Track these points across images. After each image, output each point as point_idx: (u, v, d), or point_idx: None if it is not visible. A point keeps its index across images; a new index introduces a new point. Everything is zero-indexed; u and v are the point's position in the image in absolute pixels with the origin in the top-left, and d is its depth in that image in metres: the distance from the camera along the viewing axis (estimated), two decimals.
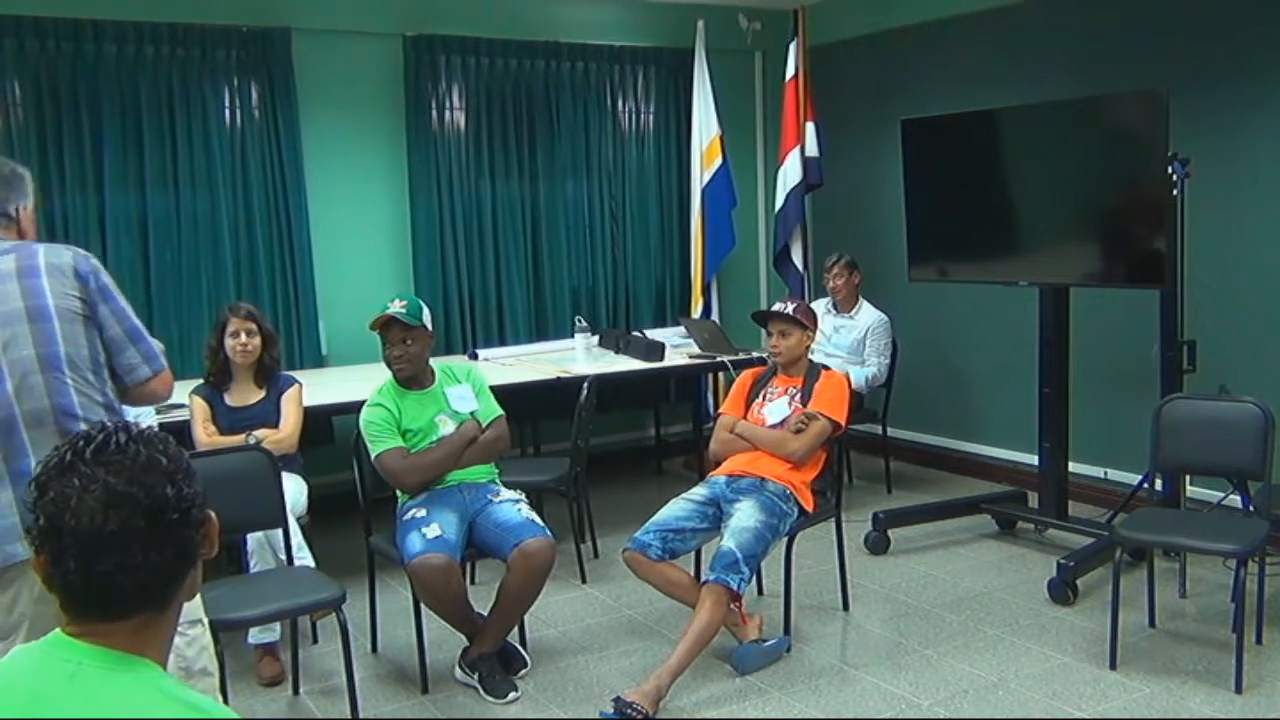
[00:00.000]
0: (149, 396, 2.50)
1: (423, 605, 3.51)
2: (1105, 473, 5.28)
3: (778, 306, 3.98)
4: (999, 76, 5.51)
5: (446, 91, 5.76)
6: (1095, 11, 5.17)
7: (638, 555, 3.64)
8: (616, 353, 5.52)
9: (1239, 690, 3.35)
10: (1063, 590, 4.12)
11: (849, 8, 6.26)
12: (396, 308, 3.58)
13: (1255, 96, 4.61)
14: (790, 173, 6.05)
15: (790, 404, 3.90)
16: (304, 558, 3.74)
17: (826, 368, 4.12)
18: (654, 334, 5.67)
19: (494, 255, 5.94)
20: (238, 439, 3.89)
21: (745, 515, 3.61)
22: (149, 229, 5.05)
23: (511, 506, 3.63)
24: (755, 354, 5.29)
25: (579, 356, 5.30)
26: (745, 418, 3.95)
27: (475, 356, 5.49)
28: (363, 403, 3.69)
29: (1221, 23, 4.71)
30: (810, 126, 6.02)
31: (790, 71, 6.04)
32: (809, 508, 3.79)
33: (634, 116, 6.38)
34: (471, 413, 3.72)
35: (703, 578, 3.62)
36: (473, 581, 4.14)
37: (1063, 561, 4.18)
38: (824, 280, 5.83)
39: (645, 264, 6.46)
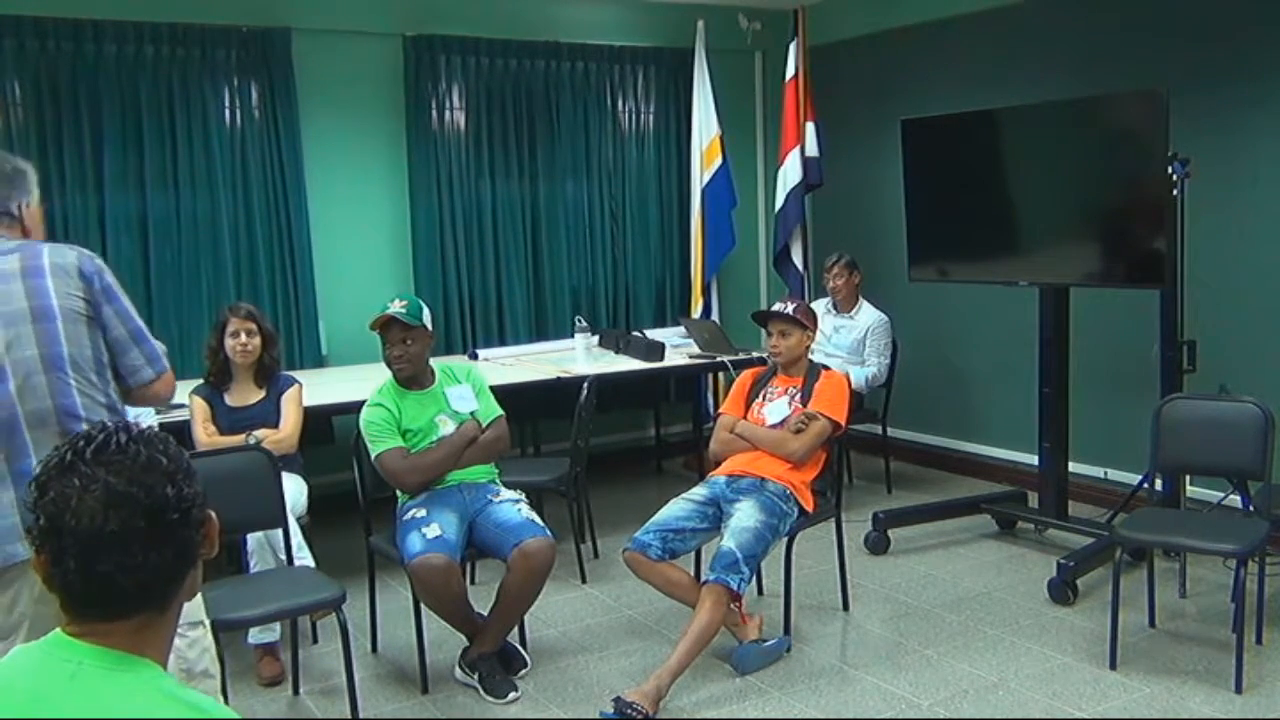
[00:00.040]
0: (152, 398, 2.51)
1: (423, 605, 3.51)
2: (1105, 473, 5.28)
3: (778, 306, 3.98)
4: (999, 76, 5.51)
5: (446, 91, 5.76)
6: (1095, 11, 5.17)
7: (638, 555, 3.64)
8: (616, 353, 5.52)
9: (1239, 690, 3.35)
10: (1063, 590, 4.12)
11: (849, 8, 6.26)
12: (396, 308, 3.58)
13: (1255, 96, 4.61)
14: (790, 173, 6.05)
15: (790, 404, 3.90)
16: (304, 558, 3.74)
17: (826, 368, 4.12)
18: (654, 334, 5.67)
19: (494, 255, 5.94)
20: (238, 439, 3.89)
21: (745, 515, 3.61)
22: (149, 229, 5.05)
23: (511, 506, 3.63)
24: (755, 354, 5.29)
25: (579, 356, 5.30)
26: (745, 418, 3.95)
27: (475, 356, 5.49)
28: (363, 403, 3.69)
29: (1221, 23, 4.71)
30: (810, 126, 6.02)
31: (790, 71, 6.04)
32: (809, 508, 3.79)
33: (634, 116, 6.38)
34: (471, 413, 3.72)
35: (703, 578, 3.62)
36: (473, 581, 4.14)
37: (1063, 561, 4.18)
38: (824, 280, 5.83)
39: (645, 264, 6.46)
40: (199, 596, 2.43)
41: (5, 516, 2.19)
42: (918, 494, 5.64)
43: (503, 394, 3.93)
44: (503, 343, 5.88)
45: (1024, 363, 5.01)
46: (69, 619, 1.24)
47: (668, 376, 6.20)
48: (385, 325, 3.60)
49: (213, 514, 1.32)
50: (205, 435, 3.94)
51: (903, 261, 5.11)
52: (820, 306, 5.70)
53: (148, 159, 5.03)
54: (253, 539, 3.64)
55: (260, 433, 3.94)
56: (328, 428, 4.88)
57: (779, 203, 6.14)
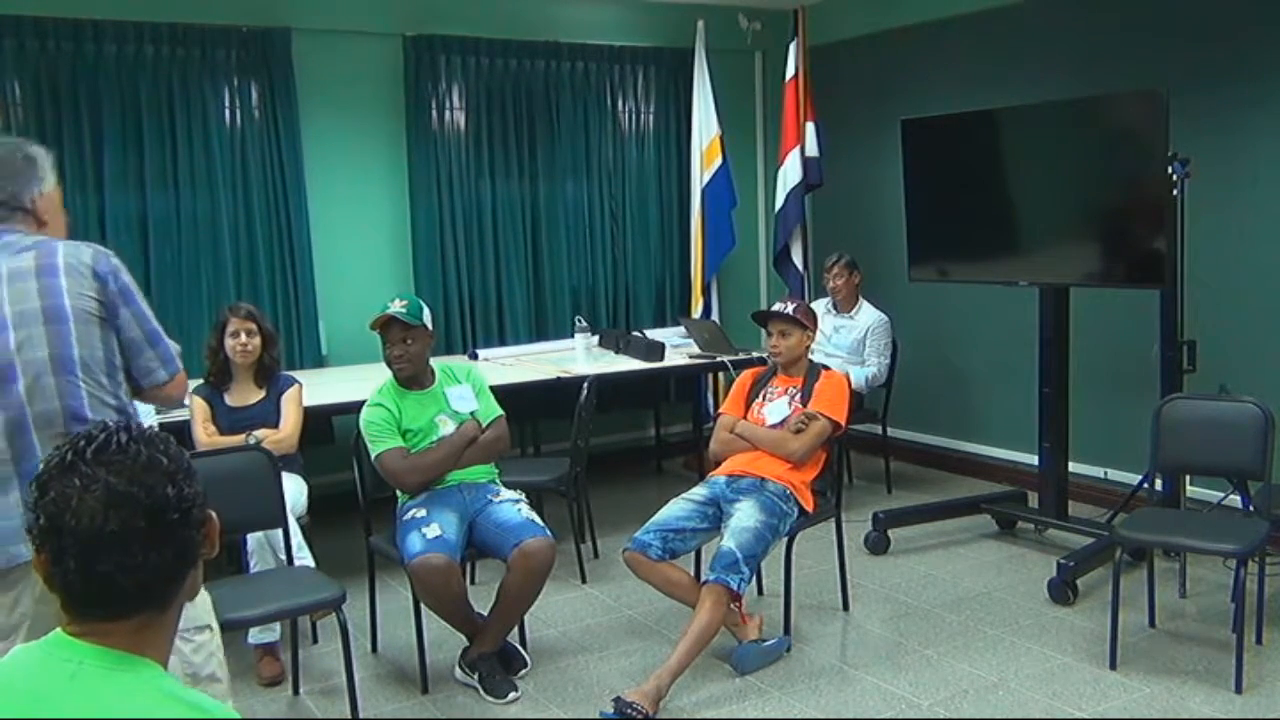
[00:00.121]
0: (164, 398, 2.51)
1: (423, 605, 3.51)
2: (1105, 473, 5.28)
3: (778, 306, 3.98)
4: (999, 76, 5.51)
5: (446, 91, 5.76)
6: (1095, 11, 5.17)
7: (638, 555, 3.64)
8: (616, 353, 5.52)
9: (1239, 690, 3.35)
10: (1063, 590, 4.12)
11: (849, 8, 6.26)
12: (397, 307, 3.58)
13: (1255, 96, 4.61)
14: (790, 173, 6.05)
15: (790, 404, 3.90)
16: (304, 558, 3.74)
17: (826, 368, 4.12)
18: (654, 334, 5.67)
19: (494, 255, 5.94)
20: (238, 439, 3.89)
21: (745, 515, 3.61)
22: (149, 229, 5.05)
23: (511, 506, 3.63)
24: (755, 354, 5.29)
25: (579, 356, 5.30)
26: (745, 418, 3.95)
27: (475, 356, 5.49)
28: (363, 403, 3.69)
29: (1221, 23, 4.71)
30: (810, 126, 6.02)
31: (790, 71, 6.04)
32: (809, 508, 3.79)
33: (634, 116, 6.38)
34: (471, 413, 3.72)
35: (703, 578, 3.62)
36: (473, 581, 4.14)
37: (1063, 561, 4.18)
38: (824, 280, 5.83)
39: (645, 264, 6.46)
40: (206, 600, 2.43)
41: (11, 517, 2.18)
42: (918, 494, 5.64)
43: (503, 394, 3.93)
44: (503, 343, 5.88)
45: (1024, 363, 5.01)
46: (69, 619, 1.24)
47: (668, 376, 6.20)
48: (385, 325, 3.60)
49: (213, 514, 1.32)
50: (205, 435, 3.94)
51: (903, 261, 5.11)
52: (820, 306, 5.70)
53: (148, 159, 5.03)
54: (253, 539, 3.64)
55: (260, 433, 3.94)
56: (328, 428, 4.88)
57: (779, 203, 6.14)
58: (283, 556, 3.56)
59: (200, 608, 2.41)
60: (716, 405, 5.84)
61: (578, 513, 4.68)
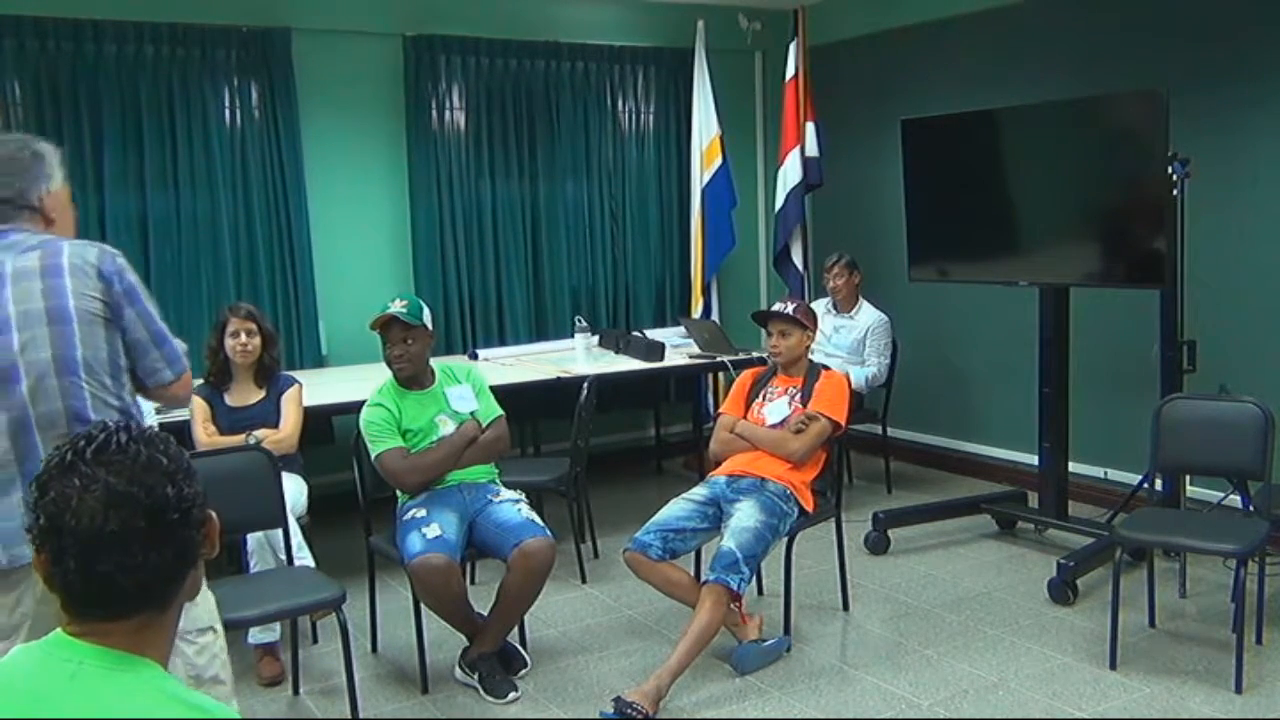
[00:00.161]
0: (170, 398, 2.50)
1: (423, 605, 3.51)
2: (1105, 473, 5.28)
3: (778, 306, 3.98)
4: (999, 76, 5.51)
5: (446, 91, 5.76)
6: (1095, 11, 5.17)
7: (638, 555, 3.64)
8: (616, 353, 5.52)
9: (1239, 690, 3.35)
10: (1063, 590, 4.12)
11: (849, 8, 6.26)
12: (397, 307, 3.58)
13: (1255, 96, 4.61)
14: (790, 173, 6.05)
15: (790, 404, 3.90)
16: (304, 558, 3.74)
17: (826, 368, 4.12)
18: (654, 334, 5.67)
19: (494, 255, 5.94)
20: (238, 439, 3.89)
21: (745, 515, 3.61)
22: (149, 229, 5.05)
23: (511, 506, 3.63)
24: (755, 354, 5.29)
25: (579, 356, 5.30)
26: (745, 417, 3.95)
27: (475, 356, 5.49)
28: (363, 403, 3.69)
29: (1221, 23, 4.71)
30: (810, 126, 6.02)
31: (790, 71, 6.04)
32: (809, 508, 3.79)
33: (634, 116, 6.38)
34: (471, 413, 3.72)
35: (703, 578, 3.62)
36: (473, 581, 4.14)
37: (1063, 561, 4.18)
38: (824, 280, 5.83)
39: (645, 264, 6.46)
40: (210, 602, 2.41)
41: (14, 518, 2.17)
42: (918, 494, 5.64)
43: (503, 394, 3.93)
44: (503, 343, 5.88)
45: (1024, 363, 5.01)
46: (69, 619, 1.24)
47: (668, 376, 6.19)
48: (386, 325, 3.60)
49: (213, 514, 1.32)
50: (205, 435, 3.94)
51: (903, 261, 5.11)
52: (820, 306, 5.70)
53: (148, 159, 5.02)
54: (253, 539, 3.64)
55: (260, 433, 3.94)
56: (328, 428, 4.88)
57: (779, 203, 6.14)
58: (283, 556, 3.56)
59: (204, 609, 2.40)
60: (716, 405, 5.84)
61: (578, 513, 4.68)
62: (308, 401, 4.16)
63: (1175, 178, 4.20)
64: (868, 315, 5.70)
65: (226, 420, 4.01)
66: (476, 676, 3.53)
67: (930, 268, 5.08)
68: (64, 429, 2.21)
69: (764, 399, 3.96)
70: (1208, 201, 4.49)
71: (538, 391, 4.97)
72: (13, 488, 2.20)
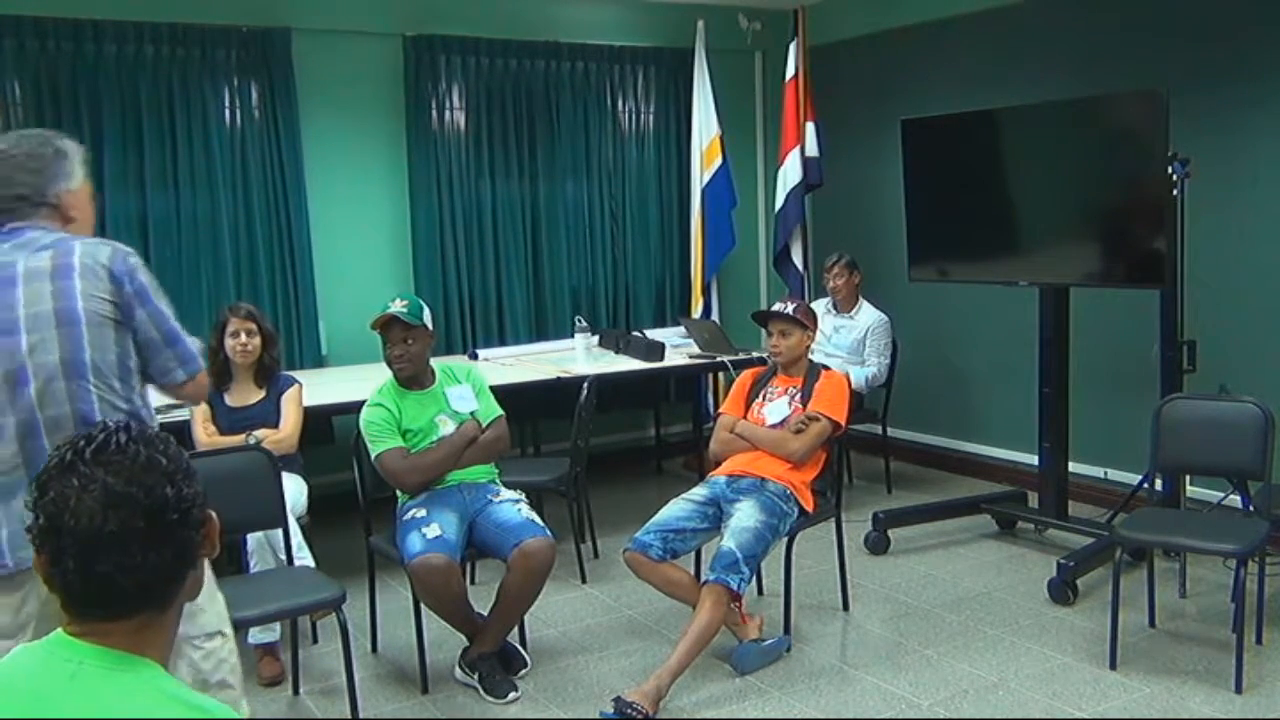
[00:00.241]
0: (184, 397, 2.50)
1: (423, 605, 3.51)
2: (1105, 473, 5.28)
3: (778, 306, 3.98)
4: (999, 76, 5.51)
5: (446, 91, 5.76)
6: (1095, 11, 5.17)
7: (639, 555, 3.64)
8: (616, 353, 5.52)
9: (1239, 690, 3.35)
10: (1063, 590, 4.12)
11: (849, 8, 6.26)
12: (398, 307, 3.58)
13: (1255, 96, 4.61)
14: (790, 173, 6.05)
15: (790, 404, 3.90)
16: (304, 558, 3.74)
17: (826, 368, 4.12)
18: (654, 334, 5.67)
19: (494, 255, 5.94)
20: (238, 439, 3.89)
21: (745, 515, 3.61)
22: (149, 229, 5.05)
23: (511, 506, 3.63)
24: (755, 354, 5.29)
25: (579, 356, 5.30)
26: (745, 417, 3.95)
27: (475, 356, 5.49)
28: (363, 403, 3.69)
29: (1221, 23, 4.71)
30: (810, 126, 6.02)
31: (790, 71, 6.04)
32: (809, 508, 3.79)
33: (634, 116, 6.38)
34: (471, 413, 3.72)
35: (703, 578, 3.62)
36: (473, 581, 4.14)
37: (1063, 561, 4.18)
38: (824, 280, 5.83)
39: (645, 264, 6.46)
40: (221, 605, 2.39)
41: (20, 522, 2.17)
42: (918, 494, 5.64)
43: (503, 394, 3.93)
44: (503, 343, 5.88)
45: (1024, 363, 5.01)
46: (70, 619, 1.24)
47: (668, 376, 6.19)
48: (386, 325, 3.60)
49: (213, 514, 1.32)
50: (205, 435, 3.94)
51: (903, 261, 5.11)
52: (820, 306, 5.70)
53: (148, 159, 5.02)
54: (253, 539, 3.64)
55: (260, 433, 3.94)
56: (328, 428, 4.88)
57: (779, 203, 6.14)
58: (283, 556, 3.56)
59: (213, 614, 2.38)
60: (716, 405, 5.84)
61: (578, 513, 4.68)
62: (308, 401, 4.16)
63: (1175, 178, 4.20)
64: (868, 315, 5.70)
65: (226, 420, 4.01)
66: (476, 676, 3.53)
67: (930, 268, 5.08)
68: (71, 433, 2.20)
69: (764, 399, 3.96)
70: (1208, 201, 4.49)
71: (538, 391, 4.97)
72: (20, 491, 2.20)
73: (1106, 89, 4.65)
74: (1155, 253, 4.15)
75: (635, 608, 4.20)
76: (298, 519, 3.83)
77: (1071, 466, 4.79)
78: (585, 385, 4.64)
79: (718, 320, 6.08)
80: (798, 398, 3.90)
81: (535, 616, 3.89)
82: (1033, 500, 4.96)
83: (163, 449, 1.27)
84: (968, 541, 4.93)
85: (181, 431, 3.86)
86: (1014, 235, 4.80)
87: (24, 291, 2.21)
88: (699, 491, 3.84)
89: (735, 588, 3.48)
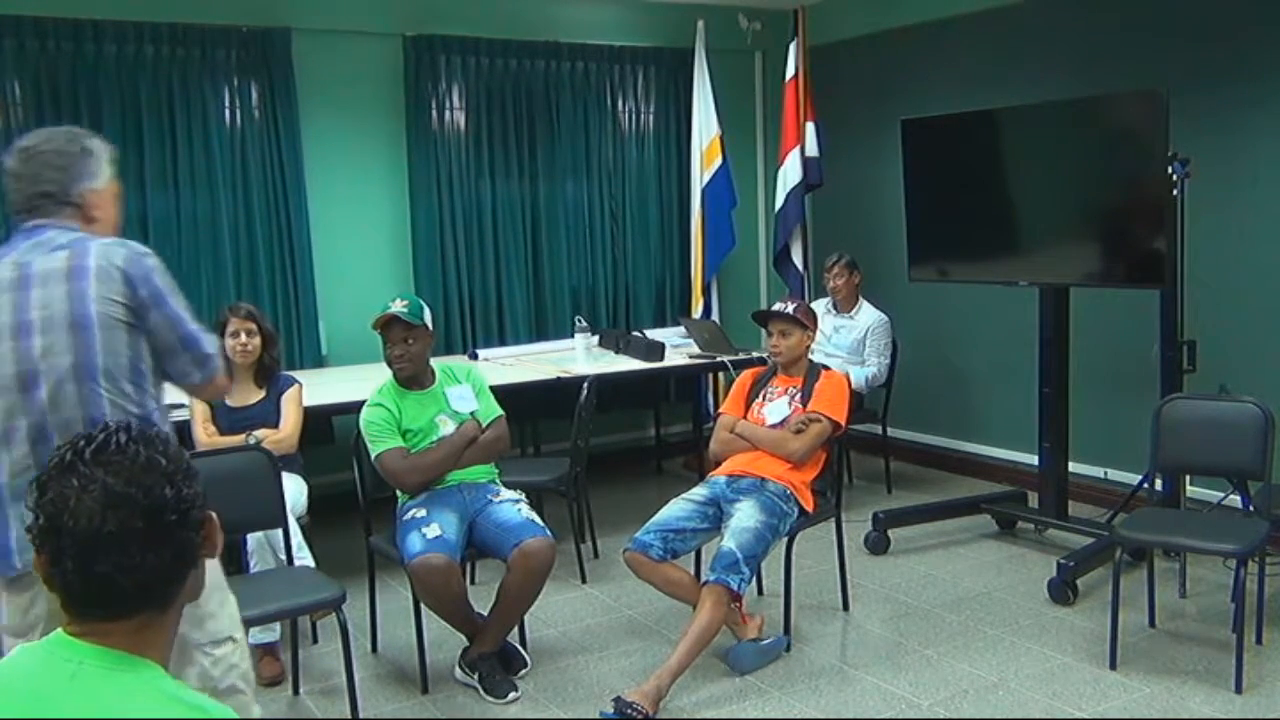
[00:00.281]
0: (203, 397, 2.50)
1: (423, 605, 3.51)
2: (1105, 473, 5.28)
3: (778, 306, 3.98)
4: (999, 76, 5.51)
5: (446, 91, 5.76)
6: (1095, 11, 5.17)
7: (639, 555, 3.64)
8: (616, 353, 5.52)
9: (1239, 690, 3.35)
10: (1063, 590, 4.12)
11: (849, 8, 6.26)
12: (398, 307, 3.58)
13: (1255, 96, 4.61)
14: (790, 173, 6.05)
15: (790, 404, 3.90)
16: (304, 558, 3.74)
17: (826, 368, 4.12)
18: (654, 334, 5.67)
19: (494, 255, 5.94)
20: (238, 439, 3.89)
21: (745, 515, 3.61)
22: (149, 229, 5.05)
23: (511, 506, 3.63)
24: (755, 354, 5.29)
25: (579, 356, 5.30)
26: (745, 417, 3.95)
27: (475, 356, 5.49)
28: (363, 403, 3.69)
29: (1221, 23, 4.71)
30: (810, 126, 6.02)
31: (790, 71, 6.04)
32: (809, 508, 3.79)
33: (634, 116, 6.38)
34: (471, 413, 3.72)
35: (703, 578, 3.62)
36: (473, 581, 4.14)
37: (1063, 561, 4.18)
38: (824, 280, 5.83)
39: (645, 264, 6.46)
40: (233, 610, 2.35)
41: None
42: (918, 494, 5.64)
43: (503, 394, 3.93)
44: (503, 343, 5.88)
45: (1024, 363, 5.01)
46: (70, 619, 1.24)
47: (668, 376, 6.19)
48: (387, 324, 3.60)
49: (213, 515, 1.32)
50: (205, 435, 3.94)
51: (903, 261, 5.11)
52: (820, 306, 5.70)
53: (148, 159, 5.02)
54: (253, 539, 3.64)
55: (260, 433, 3.94)
56: (328, 428, 4.88)
57: (779, 203, 6.14)
58: (283, 556, 3.56)
59: (225, 620, 2.35)
60: (716, 405, 5.84)
61: (578, 513, 4.68)
62: (308, 401, 4.16)
63: (1175, 178, 4.20)
64: (868, 315, 5.70)
65: (226, 420, 4.01)
66: (476, 676, 3.53)
67: (930, 268, 5.08)
68: None
69: (764, 399, 3.96)
70: (1208, 201, 4.49)
71: (538, 391, 4.97)
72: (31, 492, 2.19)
73: (1106, 89, 4.65)
74: (1155, 253, 4.15)
75: (635, 608, 4.20)
76: (298, 519, 3.83)
77: (1071, 466, 4.79)
78: (585, 385, 4.64)
79: (718, 320, 6.08)
80: (798, 398, 3.90)
81: (535, 616, 3.89)
82: (1033, 500, 4.96)
83: (162, 449, 1.27)
84: (968, 541, 4.93)
85: (181, 431, 3.85)
86: (1014, 235, 4.80)
87: (38, 293, 2.19)
88: (699, 491, 3.84)
89: (735, 588, 3.48)
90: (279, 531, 3.50)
